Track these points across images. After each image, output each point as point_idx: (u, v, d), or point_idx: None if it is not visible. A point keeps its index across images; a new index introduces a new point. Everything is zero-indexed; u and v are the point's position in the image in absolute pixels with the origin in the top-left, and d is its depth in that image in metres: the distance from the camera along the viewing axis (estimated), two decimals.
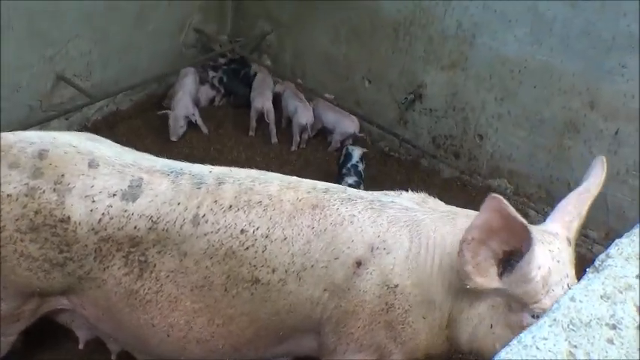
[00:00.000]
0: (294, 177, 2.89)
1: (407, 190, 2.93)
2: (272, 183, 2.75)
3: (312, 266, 2.64)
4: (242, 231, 2.62)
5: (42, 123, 4.87)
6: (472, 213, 2.72)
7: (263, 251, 2.62)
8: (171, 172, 2.70)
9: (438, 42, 5.04)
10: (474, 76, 4.95)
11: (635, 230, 1.76)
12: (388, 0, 5.18)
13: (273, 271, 2.64)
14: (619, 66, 4.22)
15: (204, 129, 5.54)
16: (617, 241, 1.72)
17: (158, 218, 2.60)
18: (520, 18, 4.55)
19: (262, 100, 5.61)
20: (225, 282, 2.66)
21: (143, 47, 5.66)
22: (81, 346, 3.07)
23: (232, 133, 5.62)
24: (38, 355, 3.60)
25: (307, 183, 2.83)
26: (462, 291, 2.60)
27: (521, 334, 1.46)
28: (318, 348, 2.89)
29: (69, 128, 5.18)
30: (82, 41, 5.15)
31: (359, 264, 2.63)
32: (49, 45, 4.95)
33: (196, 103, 5.64)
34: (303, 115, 5.54)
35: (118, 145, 2.89)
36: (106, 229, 2.58)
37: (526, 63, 4.64)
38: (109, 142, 2.90)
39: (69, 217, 2.55)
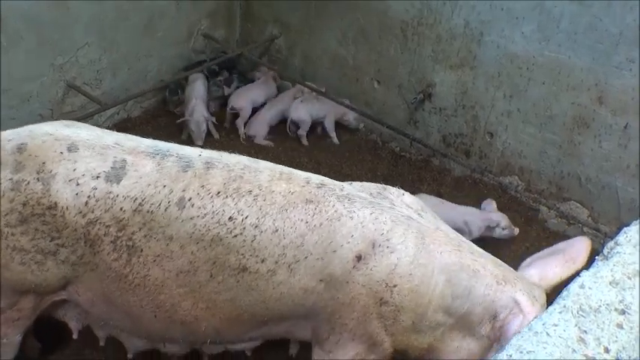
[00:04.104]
0: (286, 167, 2.87)
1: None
2: (262, 172, 2.73)
3: (306, 258, 2.65)
4: (230, 218, 2.61)
5: None
6: (476, 249, 2.86)
7: (252, 241, 2.61)
8: (157, 153, 2.69)
9: (446, 41, 5.05)
10: (482, 74, 4.95)
11: None
12: (395, 0, 5.19)
13: (262, 261, 2.63)
14: (627, 60, 4.21)
15: (216, 134, 5.57)
16: (625, 229, 1.73)
17: (143, 200, 2.58)
18: (527, 15, 4.55)
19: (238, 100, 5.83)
20: (211, 268, 2.65)
21: (152, 54, 5.70)
22: (75, 336, 3.08)
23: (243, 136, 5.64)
24: None
25: (300, 175, 2.82)
26: (459, 321, 2.75)
27: (532, 322, 1.47)
28: (311, 334, 2.93)
29: None
30: (92, 49, 5.19)
31: (359, 258, 2.65)
32: (59, 54, 4.99)
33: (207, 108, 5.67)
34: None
35: (98, 129, 2.86)
36: (93, 212, 2.57)
37: (534, 60, 4.64)
38: (88, 125, 2.88)
39: (56, 203, 2.56)
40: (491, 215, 4.64)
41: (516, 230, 4.67)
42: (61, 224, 2.58)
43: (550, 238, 4.84)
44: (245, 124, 5.71)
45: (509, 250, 4.73)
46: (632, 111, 4.30)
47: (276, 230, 2.63)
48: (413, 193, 4.91)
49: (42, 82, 4.97)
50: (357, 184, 2.99)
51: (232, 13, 6.29)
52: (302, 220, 2.65)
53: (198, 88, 5.63)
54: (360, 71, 5.71)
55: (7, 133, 2.72)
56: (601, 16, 4.23)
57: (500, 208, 4.91)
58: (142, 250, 2.63)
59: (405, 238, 2.69)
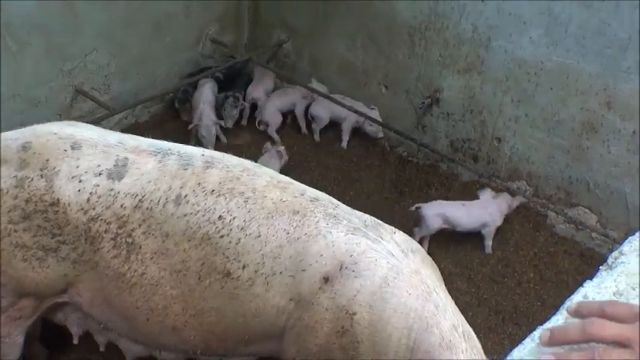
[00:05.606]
0: (288, 178, 2.85)
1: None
2: (261, 177, 2.73)
3: (281, 273, 2.59)
4: (220, 217, 2.61)
5: None
6: (443, 305, 2.53)
7: (237, 243, 2.59)
8: (159, 152, 2.73)
9: (453, 46, 5.04)
10: (490, 79, 4.94)
11: None
12: (404, 4, 5.19)
13: (244, 267, 2.60)
14: (635, 65, 4.20)
15: (224, 138, 5.60)
16: (630, 238, 1.72)
17: (143, 197, 2.62)
18: (535, 20, 4.54)
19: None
20: (200, 269, 2.63)
21: (161, 59, 5.71)
22: (75, 341, 3.12)
23: (251, 142, 5.65)
24: None
25: (298, 187, 2.79)
26: None
27: (534, 332, 1.46)
28: (280, 352, 2.85)
29: None
30: (100, 54, 5.20)
31: (326, 280, 2.55)
32: (67, 59, 5.00)
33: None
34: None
35: (102, 129, 2.92)
36: (94, 209, 2.61)
37: (542, 65, 4.63)
38: (91, 126, 2.94)
39: (58, 200, 2.60)
40: (504, 199, 4.79)
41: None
42: (62, 221, 2.62)
43: (558, 244, 4.85)
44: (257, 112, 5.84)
45: (518, 256, 4.73)
46: None
47: (259, 236, 2.60)
48: (421, 197, 4.99)
49: (50, 88, 4.98)
50: (360, 213, 2.80)
51: (240, 18, 6.30)
52: (284, 229, 2.61)
53: (206, 93, 5.62)
54: (367, 76, 5.71)
55: (12, 133, 2.77)
56: (609, 21, 4.21)
57: (509, 214, 4.90)
58: (140, 247, 2.65)
59: (374, 266, 2.54)
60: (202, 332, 2.79)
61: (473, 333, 2.56)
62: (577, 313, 1.46)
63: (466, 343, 2.49)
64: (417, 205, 4.65)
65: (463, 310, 2.68)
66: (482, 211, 4.70)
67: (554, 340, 1.41)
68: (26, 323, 2.93)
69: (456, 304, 2.64)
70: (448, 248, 4.71)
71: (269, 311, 2.65)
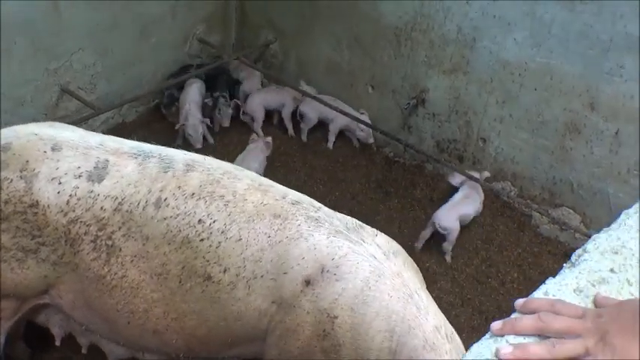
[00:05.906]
0: (269, 180, 2.85)
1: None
2: (241, 180, 2.72)
3: (262, 276, 2.60)
4: (200, 221, 2.60)
5: None
6: (425, 307, 2.54)
7: (217, 247, 2.60)
8: (140, 154, 2.72)
9: (439, 47, 5.06)
10: (475, 79, 4.96)
11: (613, 225, 1.78)
12: (389, 6, 5.21)
13: (225, 270, 2.60)
14: (617, 67, 4.22)
15: (210, 138, 5.59)
16: (594, 236, 1.74)
17: (123, 199, 2.61)
18: (519, 21, 4.56)
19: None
20: (181, 273, 2.63)
21: (147, 59, 5.70)
22: (57, 343, 3.11)
23: (237, 141, 5.64)
24: None
25: (279, 189, 2.79)
26: None
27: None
28: (263, 355, 2.85)
29: None
30: (86, 54, 5.19)
31: (308, 283, 2.56)
32: (53, 58, 4.98)
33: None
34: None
35: (83, 130, 2.91)
36: (74, 211, 2.60)
37: (526, 66, 4.65)
38: (73, 127, 2.93)
39: (37, 202, 2.59)
40: (476, 188, 4.90)
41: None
42: (42, 222, 2.61)
43: (542, 244, 4.87)
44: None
45: (502, 256, 4.75)
46: (623, 117, 4.31)
47: (240, 239, 2.60)
48: (406, 198, 5.01)
49: (36, 87, 4.96)
50: (342, 215, 2.80)
51: (228, 18, 6.29)
52: (265, 233, 2.61)
53: (192, 93, 5.60)
54: (354, 76, 5.72)
55: None
56: (591, 23, 4.24)
57: (493, 214, 4.94)
58: (120, 250, 2.64)
59: (356, 269, 2.55)
60: (184, 335, 2.79)
61: (456, 333, 2.58)
62: (525, 308, 1.49)
63: (449, 344, 2.51)
64: (432, 221, 4.66)
65: (446, 310, 2.69)
66: (478, 196, 4.84)
67: (506, 330, 1.43)
68: (7, 324, 2.92)
69: (439, 303, 2.66)
70: (432, 248, 4.71)
71: (251, 314, 2.66)
